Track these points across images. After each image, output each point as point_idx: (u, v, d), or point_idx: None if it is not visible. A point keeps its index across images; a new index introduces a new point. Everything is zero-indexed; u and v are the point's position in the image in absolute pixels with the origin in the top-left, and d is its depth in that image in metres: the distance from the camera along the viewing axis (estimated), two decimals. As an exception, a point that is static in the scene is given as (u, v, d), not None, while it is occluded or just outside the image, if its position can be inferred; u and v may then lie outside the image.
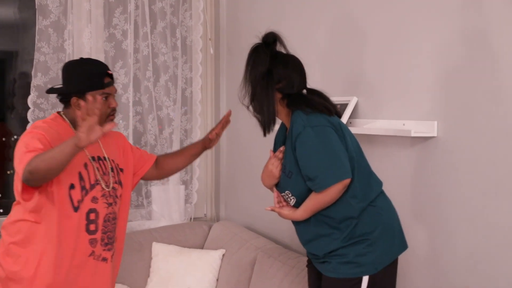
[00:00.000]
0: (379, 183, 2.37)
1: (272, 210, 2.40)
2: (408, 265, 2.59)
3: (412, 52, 2.58)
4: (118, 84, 3.93)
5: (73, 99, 2.37)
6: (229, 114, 2.81)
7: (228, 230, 3.77)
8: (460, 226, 2.37)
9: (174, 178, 4.07)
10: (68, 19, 3.75)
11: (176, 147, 4.07)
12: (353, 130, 2.78)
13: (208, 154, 4.31)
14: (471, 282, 2.32)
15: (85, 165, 2.37)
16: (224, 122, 2.81)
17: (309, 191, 2.27)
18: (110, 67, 3.88)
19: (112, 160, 2.51)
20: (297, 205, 2.34)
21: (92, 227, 2.36)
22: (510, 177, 2.15)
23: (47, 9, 3.73)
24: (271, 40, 2.32)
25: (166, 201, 4.05)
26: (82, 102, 2.34)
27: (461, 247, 2.36)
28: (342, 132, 2.28)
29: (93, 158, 2.42)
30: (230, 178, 4.29)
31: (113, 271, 2.51)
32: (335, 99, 2.95)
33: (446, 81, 2.41)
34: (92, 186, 2.37)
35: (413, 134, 2.45)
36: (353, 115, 2.91)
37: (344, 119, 2.88)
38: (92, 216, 2.36)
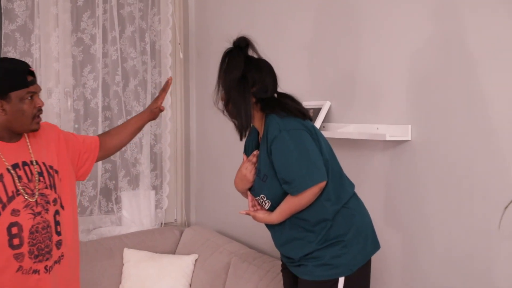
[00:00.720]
0: (352, 185, 2.40)
1: (247, 214, 2.40)
2: (382, 265, 2.61)
3: (385, 55, 2.61)
4: (86, 89, 3.88)
5: None
6: (170, 80, 2.77)
7: (200, 235, 3.75)
8: (434, 228, 2.40)
9: (144, 183, 4.05)
10: (35, 24, 3.69)
11: (146, 152, 4.04)
12: (327, 134, 2.80)
13: (178, 159, 4.30)
14: (444, 280, 2.35)
15: (1, 175, 2.20)
16: (167, 89, 2.76)
17: (284, 195, 2.28)
18: (78, 72, 3.86)
19: (43, 163, 2.33)
20: (271, 209, 2.35)
21: (15, 241, 2.19)
22: (483, 179, 2.18)
23: (13, 13, 3.66)
24: (243, 44, 2.33)
25: (136, 206, 4.02)
26: (6, 106, 2.21)
27: (436, 247, 2.39)
28: (316, 135, 2.30)
29: (14, 165, 2.25)
30: (200, 183, 4.27)
31: (63, 279, 2.37)
32: (308, 103, 2.99)
33: (419, 85, 2.44)
34: (10, 199, 2.20)
35: (388, 138, 2.47)
36: (326, 119, 2.93)
37: (318, 123, 2.89)
38: (14, 230, 2.19)
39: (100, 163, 3.90)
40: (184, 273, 3.51)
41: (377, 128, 2.61)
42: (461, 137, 2.26)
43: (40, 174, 2.30)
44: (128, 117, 3.97)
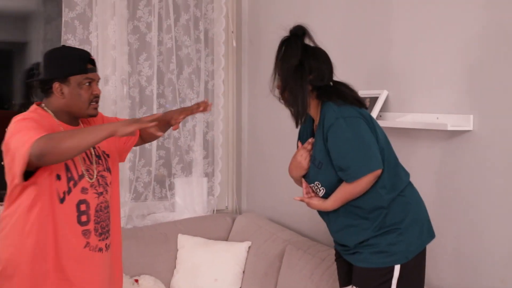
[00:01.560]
0: (407, 174, 2.39)
1: (301, 200, 2.41)
2: (435, 255, 2.60)
3: (443, 43, 2.58)
4: (142, 76, 3.93)
5: (55, 85, 2.29)
6: (205, 107, 2.56)
7: (252, 223, 3.78)
8: (490, 221, 2.37)
9: (197, 170, 4.09)
10: (94, 11, 3.75)
11: (199, 139, 4.09)
12: (384, 123, 2.79)
13: (230, 146, 4.34)
14: (498, 277, 2.33)
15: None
16: (195, 113, 2.57)
17: (339, 182, 2.29)
18: (133, 60, 3.92)
19: (98, 147, 2.43)
20: (326, 196, 2.36)
21: (83, 218, 2.30)
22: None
23: (73, 1, 3.73)
24: (300, 32, 2.34)
25: (189, 193, 4.06)
26: (65, 89, 2.30)
27: (489, 241, 2.37)
28: (373, 124, 2.31)
29: None
30: (252, 170, 4.29)
31: (110, 261, 2.45)
32: (365, 92, 2.98)
33: (479, 73, 2.41)
34: (80, 177, 2.31)
35: (449, 128, 2.45)
36: (383, 109, 2.91)
37: (375, 112, 2.88)
38: (83, 207, 2.31)
39: (154, 150, 3.95)
40: (238, 260, 3.55)
41: (437, 118, 2.59)
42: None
43: (98, 157, 2.41)
44: (182, 105, 4.03)
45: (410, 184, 2.38)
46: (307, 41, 2.35)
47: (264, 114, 4.04)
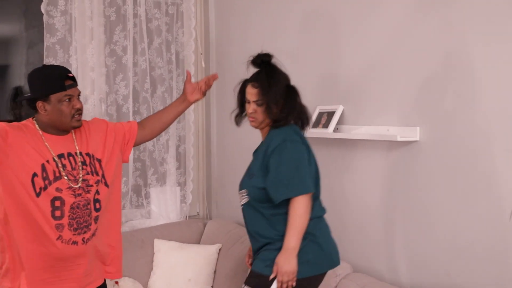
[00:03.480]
0: (322, 210, 2.43)
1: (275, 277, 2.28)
2: (391, 254, 2.65)
3: (392, 61, 2.65)
4: (118, 95, 3.92)
5: (39, 103, 2.33)
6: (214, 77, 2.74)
7: (222, 227, 3.79)
8: (436, 221, 2.44)
9: (171, 180, 4.08)
10: (73, 36, 3.74)
11: (172, 152, 4.09)
12: (341, 135, 2.87)
13: (200, 158, 4.34)
14: (443, 271, 2.39)
15: (47, 161, 2.33)
16: (208, 83, 2.76)
17: (261, 195, 2.31)
18: (111, 80, 3.90)
19: (87, 154, 2.45)
20: (246, 206, 2.38)
21: (57, 213, 2.31)
22: (486, 178, 2.22)
23: (54, 27, 3.71)
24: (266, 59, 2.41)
25: (164, 201, 4.06)
26: (48, 106, 2.33)
27: (435, 239, 2.43)
28: (310, 151, 2.37)
29: (60, 155, 2.37)
30: (220, 180, 4.31)
31: (93, 251, 2.46)
32: (322, 107, 3.05)
33: (426, 88, 2.48)
34: (56, 178, 2.33)
35: (399, 139, 2.52)
36: (340, 122, 2.98)
37: (332, 126, 2.94)
38: (57, 203, 2.32)
39: (131, 162, 3.95)
40: (209, 261, 3.57)
41: (388, 130, 2.66)
42: (462, 138, 2.31)
43: (84, 163, 2.42)
44: None
45: (321, 219, 2.40)
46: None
47: (230, 128, 4.05)
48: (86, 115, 3.75)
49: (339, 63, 3.00)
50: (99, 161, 2.49)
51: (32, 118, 2.41)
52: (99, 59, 3.82)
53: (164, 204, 4.06)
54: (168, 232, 3.82)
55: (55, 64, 3.68)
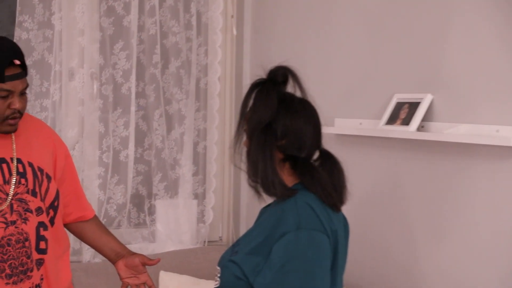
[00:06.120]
0: None
1: None
2: None
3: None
4: (117, 70, 3.93)
5: None
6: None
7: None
8: None
9: (185, 190, 4.08)
10: (57, -13, 3.76)
11: (188, 151, 4.08)
12: (428, 136, 2.87)
13: (226, 161, 4.33)
14: None
15: None
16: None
17: (235, 285, 2.19)
18: (107, 49, 3.92)
19: (29, 163, 2.39)
20: None
21: None
22: None
23: (30, -26, 3.74)
24: (280, 79, 2.22)
25: (174, 219, 4.05)
26: None
27: None
28: (337, 243, 2.19)
29: None
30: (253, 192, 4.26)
31: None
32: (403, 96, 3.04)
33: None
34: None
35: (513, 144, 2.47)
36: (426, 118, 2.95)
37: (415, 122, 2.92)
38: None
39: (131, 164, 3.96)
40: (234, 305, 3.52)
41: (497, 131, 2.61)
42: None
43: (22, 175, 2.36)
44: (167, 107, 4.07)
45: None
46: (290, 88, 2.23)
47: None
48: (72, 96, 3.83)
49: (430, 35, 2.94)
50: (48, 178, 2.43)
51: None
52: (91, 19, 3.83)
53: (175, 224, 4.05)
54: (180, 262, 3.79)
55: (32, 25, 3.70)
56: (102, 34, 3.90)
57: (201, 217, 4.22)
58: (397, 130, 2.97)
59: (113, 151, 3.92)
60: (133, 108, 3.93)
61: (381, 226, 3.18)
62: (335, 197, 2.19)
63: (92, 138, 3.87)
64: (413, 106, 2.96)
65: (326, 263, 2.11)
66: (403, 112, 3.00)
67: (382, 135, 3.09)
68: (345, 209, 2.23)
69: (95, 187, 3.88)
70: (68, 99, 3.78)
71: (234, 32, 4.23)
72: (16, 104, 2.29)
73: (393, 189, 3.13)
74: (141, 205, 4.08)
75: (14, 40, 3.60)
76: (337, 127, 3.41)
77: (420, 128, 2.94)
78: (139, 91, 4.01)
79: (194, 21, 4.09)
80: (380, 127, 3.08)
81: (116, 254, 2.66)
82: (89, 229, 2.69)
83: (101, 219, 3.81)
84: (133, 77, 3.93)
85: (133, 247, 3.87)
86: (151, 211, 4.08)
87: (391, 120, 3.04)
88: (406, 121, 2.96)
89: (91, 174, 3.85)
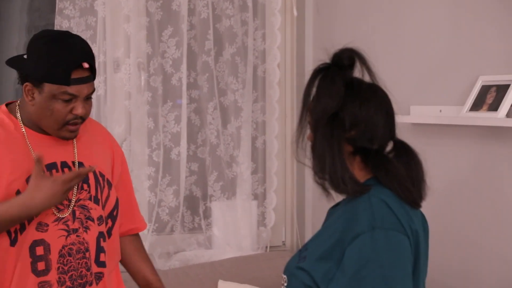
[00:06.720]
0: None
1: None
2: None
3: None
4: (166, 59, 3.95)
5: (27, 85, 2.27)
6: None
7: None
8: None
9: (243, 190, 4.10)
10: (100, -29, 3.83)
11: (245, 147, 4.09)
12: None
13: (288, 157, 4.34)
14: None
15: (28, 178, 2.27)
16: None
17: None
18: (155, 36, 3.98)
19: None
20: None
21: (40, 265, 2.28)
22: None
23: (71, -45, 3.81)
24: (346, 62, 2.19)
25: (232, 222, 4.07)
26: (37, 96, 2.26)
27: None
28: (418, 245, 2.16)
29: (51, 165, 2.34)
30: (319, 191, 4.21)
31: None
32: (490, 78, 2.99)
33: None
34: None
35: None
36: (519, 103, 2.92)
37: (504, 108, 2.87)
38: (39, 250, 2.27)
39: (183, 163, 3.98)
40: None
41: None
42: None
43: (85, 180, 2.39)
44: (222, 99, 4.10)
45: None
46: (358, 73, 2.21)
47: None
48: (119, 89, 3.90)
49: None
50: (109, 185, 2.47)
51: (7, 104, 2.38)
52: (137, 3, 3.89)
53: (233, 228, 4.07)
54: (239, 270, 3.80)
55: (74, 12, 3.74)
56: (149, 20, 3.94)
57: (261, 220, 4.26)
58: (484, 117, 2.92)
59: (163, 148, 3.96)
60: (184, 101, 3.96)
61: (468, 225, 3.11)
62: (414, 192, 2.16)
63: (140, 135, 3.91)
64: (502, 89, 2.91)
65: (407, 267, 2.08)
66: (490, 97, 2.96)
67: (466, 123, 3.03)
68: (423, 207, 2.19)
69: (145, 189, 3.93)
70: (113, 92, 3.83)
71: (295, 13, 4.22)
72: (79, 110, 2.29)
73: (478, 183, 3.07)
74: (196, 208, 4.12)
75: (55, 28, 3.65)
76: (413, 116, 3.36)
77: (510, 114, 2.87)
78: (190, 81, 4.05)
79: (250, 2, 4.11)
80: (463, 114, 3.03)
81: (147, 285, 2.68)
82: (127, 248, 2.69)
83: (152, 224, 3.95)
84: (184, 67, 3.96)
85: (188, 254, 4.06)
86: (207, 214, 4.13)
87: (476, 106, 2.99)
88: (494, 107, 2.91)
89: (140, 175, 3.88)
